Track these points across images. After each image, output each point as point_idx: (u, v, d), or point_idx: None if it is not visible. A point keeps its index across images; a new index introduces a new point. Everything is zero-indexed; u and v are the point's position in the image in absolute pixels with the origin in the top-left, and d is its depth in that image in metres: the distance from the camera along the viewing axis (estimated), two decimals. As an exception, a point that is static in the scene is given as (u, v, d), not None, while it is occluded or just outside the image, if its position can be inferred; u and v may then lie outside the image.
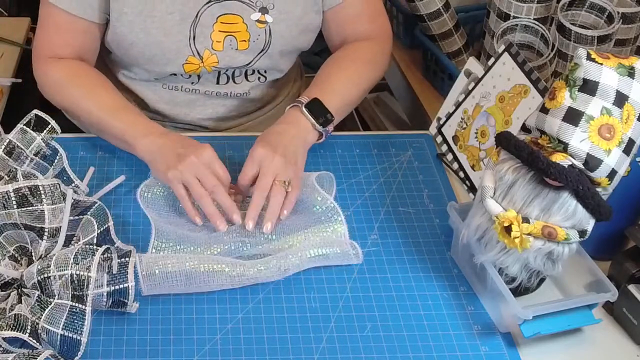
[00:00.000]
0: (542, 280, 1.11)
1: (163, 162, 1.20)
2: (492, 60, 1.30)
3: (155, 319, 1.07)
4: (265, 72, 1.44)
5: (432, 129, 1.43)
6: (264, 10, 1.34)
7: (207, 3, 1.32)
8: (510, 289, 1.05)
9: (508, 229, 0.99)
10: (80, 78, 1.33)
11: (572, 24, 1.35)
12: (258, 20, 1.35)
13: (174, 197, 1.21)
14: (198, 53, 1.35)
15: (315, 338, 1.06)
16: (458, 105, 1.36)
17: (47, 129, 1.25)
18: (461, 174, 1.33)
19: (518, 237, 0.98)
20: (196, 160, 1.18)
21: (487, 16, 1.51)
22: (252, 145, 1.23)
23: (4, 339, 0.99)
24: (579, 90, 0.97)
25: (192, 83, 1.41)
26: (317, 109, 1.29)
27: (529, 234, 0.99)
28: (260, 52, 1.38)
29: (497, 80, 1.28)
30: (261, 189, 1.18)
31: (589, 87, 0.96)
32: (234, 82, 1.43)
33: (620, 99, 0.96)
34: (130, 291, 1.05)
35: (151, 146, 1.23)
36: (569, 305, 1.06)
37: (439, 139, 1.40)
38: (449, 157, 1.37)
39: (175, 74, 1.39)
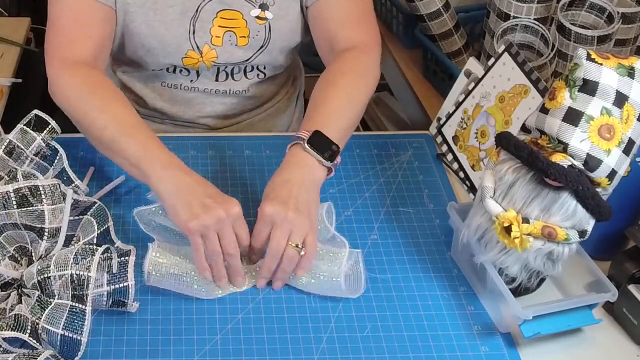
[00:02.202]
0: (542, 280, 1.11)
1: (187, 209, 1.08)
2: (492, 60, 1.30)
3: (155, 319, 1.07)
4: (264, 68, 1.43)
5: (432, 129, 1.43)
6: (264, 7, 1.34)
7: None
8: (510, 289, 1.05)
9: (508, 229, 0.99)
10: (97, 89, 1.22)
11: (572, 24, 1.35)
12: (258, 17, 1.34)
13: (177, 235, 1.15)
14: (198, 47, 1.35)
15: (315, 338, 1.06)
16: (458, 105, 1.36)
17: (47, 129, 1.25)
18: (461, 174, 1.33)
19: (518, 237, 0.98)
20: (224, 216, 1.07)
21: (487, 16, 1.51)
22: (260, 203, 1.12)
23: (4, 339, 0.99)
24: (579, 91, 0.97)
25: (192, 81, 1.41)
26: (320, 143, 1.16)
27: (529, 234, 0.99)
28: (260, 48, 1.37)
29: (497, 80, 1.28)
30: (274, 253, 1.09)
31: (589, 87, 0.96)
32: (233, 79, 1.43)
33: (620, 99, 0.96)
34: (130, 290, 1.05)
35: (172, 184, 1.10)
36: (569, 305, 1.06)
37: (439, 139, 1.40)
38: (449, 157, 1.37)
39: (174, 71, 1.39)
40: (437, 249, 1.21)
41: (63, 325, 1.00)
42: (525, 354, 1.06)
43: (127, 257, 1.06)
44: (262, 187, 1.28)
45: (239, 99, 1.47)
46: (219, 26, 1.34)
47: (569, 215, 0.99)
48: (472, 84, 1.34)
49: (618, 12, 1.35)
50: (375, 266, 1.17)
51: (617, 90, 0.96)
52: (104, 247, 1.04)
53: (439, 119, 1.42)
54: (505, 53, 1.27)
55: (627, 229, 1.10)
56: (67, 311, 1.00)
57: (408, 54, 1.77)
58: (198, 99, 1.45)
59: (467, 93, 1.34)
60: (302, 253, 1.09)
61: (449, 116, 1.38)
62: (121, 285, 1.04)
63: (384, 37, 1.84)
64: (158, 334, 1.05)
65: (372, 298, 1.12)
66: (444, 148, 1.38)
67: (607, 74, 0.96)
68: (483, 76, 1.32)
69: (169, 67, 1.39)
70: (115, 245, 1.14)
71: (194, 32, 1.33)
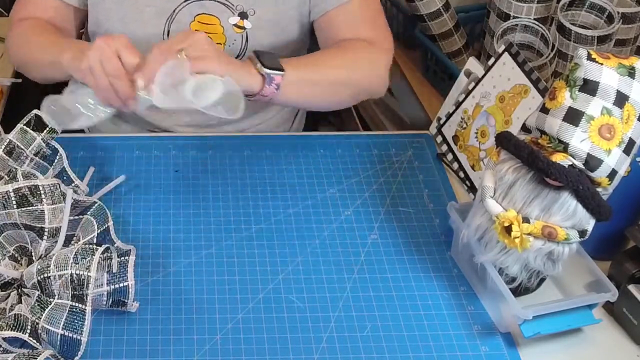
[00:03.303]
0: (542, 280, 1.11)
1: (79, 57, 1.13)
2: (492, 60, 1.30)
3: (155, 319, 1.07)
4: None
5: (432, 129, 1.43)
6: (243, 15, 1.31)
7: (186, 0, 1.30)
8: (510, 289, 1.05)
9: (508, 229, 0.99)
10: (41, 31, 1.31)
11: (572, 24, 1.35)
12: (236, 25, 1.31)
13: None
14: None
15: (315, 338, 1.06)
16: (458, 105, 1.36)
17: (47, 129, 1.25)
18: (461, 174, 1.33)
19: (518, 237, 0.98)
20: (103, 45, 1.10)
21: (487, 16, 1.51)
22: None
23: (4, 339, 0.99)
24: (579, 90, 0.97)
25: None
26: (268, 57, 1.20)
27: (529, 234, 0.99)
28: (236, 58, 1.32)
29: (497, 80, 1.28)
30: (162, 50, 1.10)
31: (590, 87, 0.96)
32: None
33: (621, 99, 0.96)
34: (130, 290, 1.05)
35: (73, 51, 1.18)
36: (569, 305, 1.06)
37: (439, 139, 1.40)
38: (449, 157, 1.37)
39: None
40: (437, 249, 1.21)
41: (63, 325, 1.00)
42: (525, 354, 1.06)
43: (127, 257, 1.06)
44: (262, 187, 1.29)
45: None
46: (196, 30, 1.30)
47: (569, 215, 0.99)
48: (472, 84, 1.34)
49: (618, 12, 1.35)
50: (375, 266, 1.17)
51: (617, 90, 0.96)
52: (103, 247, 1.04)
53: (439, 119, 1.42)
54: (505, 53, 1.27)
55: (627, 229, 1.10)
56: (67, 311, 1.00)
57: (408, 54, 1.77)
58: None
59: (467, 93, 1.34)
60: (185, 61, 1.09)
61: (449, 116, 1.38)
62: (121, 285, 1.04)
63: (384, 37, 1.84)
64: (158, 334, 1.05)
65: (372, 298, 1.12)
66: (444, 148, 1.38)
67: (607, 74, 0.96)
68: (483, 76, 1.32)
69: None
70: (115, 245, 1.14)
71: (168, 34, 1.32)
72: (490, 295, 1.09)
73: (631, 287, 1.07)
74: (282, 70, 1.19)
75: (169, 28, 1.31)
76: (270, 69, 1.18)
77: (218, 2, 1.30)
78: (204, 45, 1.12)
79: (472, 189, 1.30)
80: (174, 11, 1.31)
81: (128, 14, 1.30)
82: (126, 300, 1.05)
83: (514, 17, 1.43)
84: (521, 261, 1.03)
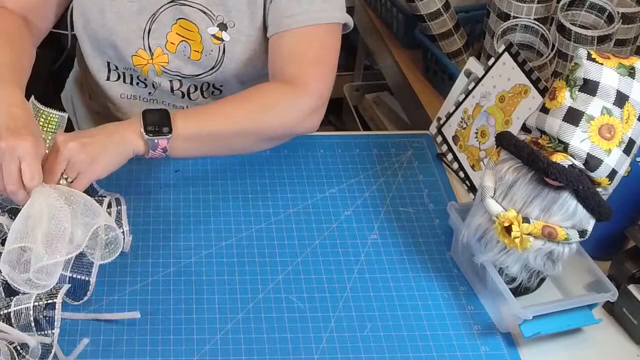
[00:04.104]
0: (542, 280, 1.11)
1: None
2: (492, 60, 1.30)
3: (155, 319, 1.07)
4: (220, 86, 1.37)
5: (432, 129, 1.43)
6: (222, 27, 1.28)
7: (169, 3, 1.29)
8: (510, 289, 1.05)
9: (508, 229, 0.99)
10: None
11: (572, 24, 1.35)
12: (214, 36, 1.29)
13: None
14: (150, 48, 1.31)
15: (315, 338, 1.06)
16: (458, 105, 1.36)
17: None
18: (461, 174, 1.33)
19: (518, 237, 0.98)
20: (4, 149, 1.02)
21: (487, 16, 1.51)
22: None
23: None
24: (579, 90, 0.97)
25: (150, 93, 1.39)
26: (155, 117, 1.13)
27: (529, 234, 0.99)
28: (211, 69, 1.32)
29: (497, 80, 1.28)
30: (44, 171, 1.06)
31: (590, 87, 0.96)
32: (189, 98, 1.38)
33: (621, 99, 0.96)
34: (126, 236, 1.13)
35: None
36: (569, 305, 1.06)
37: (439, 139, 1.40)
38: (449, 157, 1.37)
39: (131, 82, 1.37)
40: (437, 249, 1.21)
41: (71, 268, 1.06)
42: (525, 354, 1.06)
43: (119, 207, 1.11)
44: (262, 187, 1.29)
45: None
46: (177, 33, 1.30)
47: (569, 215, 0.99)
48: (472, 84, 1.34)
49: (618, 12, 1.35)
50: (375, 266, 1.17)
51: (617, 90, 0.96)
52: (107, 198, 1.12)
53: (439, 119, 1.42)
54: (505, 53, 1.27)
55: (627, 229, 1.10)
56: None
57: (408, 54, 1.77)
58: None
59: (467, 93, 1.34)
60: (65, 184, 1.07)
61: (449, 116, 1.38)
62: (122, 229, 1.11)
63: (384, 37, 1.85)
64: (158, 334, 1.05)
65: (372, 298, 1.12)
66: (444, 148, 1.38)
67: (607, 74, 0.96)
68: (483, 76, 1.32)
69: (124, 73, 1.37)
70: (99, 194, 1.16)
71: (149, 32, 1.30)
72: (490, 295, 1.09)
73: (631, 287, 1.07)
74: (168, 132, 1.12)
75: (150, 27, 1.30)
76: (154, 132, 1.12)
77: (199, 9, 1.29)
78: (77, 159, 1.07)
79: (472, 189, 1.30)
80: (156, 11, 1.30)
81: (107, 5, 1.29)
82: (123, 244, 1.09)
83: (514, 17, 1.43)
84: (521, 261, 1.03)
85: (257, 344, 1.05)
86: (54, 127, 1.16)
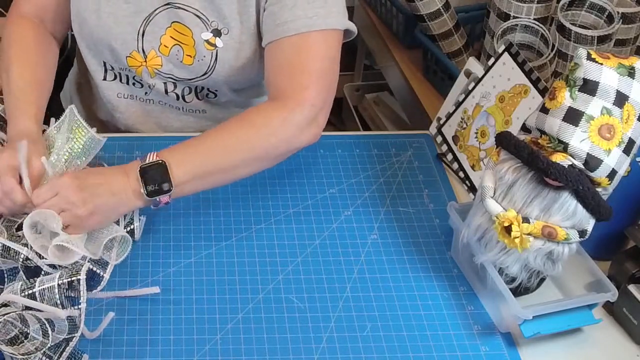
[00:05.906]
0: (542, 280, 1.11)
1: None
2: (492, 60, 1.30)
3: (155, 319, 1.07)
4: (216, 90, 1.37)
5: (432, 129, 1.43)
6: (216, 33, 1.28)
7: (165, 5, 1.29)
8: (510, 289, 1.05)
9: (508, 229, 0.99)
10: (21, 43, 1.28)
11: (572, 24, 1.35)
12: (207, 41, 1.28)
13: None
14: (143, 51, 1.32)
15: (315, 338, 1.06)
16: (458, 105, 1.36)
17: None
18: (461, 174, 1.33)
19: (518, 237, 0.98)
20: None
21: (487, 16, 1.51)
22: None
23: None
24: (579, 90, 0.97)
25: (146, 93, 1.39)
26: (154, 175, 1.11)
27: (529, 234, 0.99)
28: (203, 74, 1.32)
29: (497, 80, 1.28)
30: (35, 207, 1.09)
31: (589, 87, 0.96)
32: (184, 100, 1.39)
33: (621, 99, 0.96)
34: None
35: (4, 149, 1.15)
36: (569, 305, 1.06)
37: (439, 139, 1.40)
38: (449, 157, 1.37)
39: (127, 82, 1.38)
40: (437, 249, 1.21)
41: (89, 259, 1.09)
42: (525, 354, 1.06)
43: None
44: (262, 187, 1.29)
45: (195, 119, 1.42)
46: (171, 36, 1.30)
47: (569, 215, 0.99)
48: (472, 84, 1.34)
49: (618, 12, 1.35)
50: (375, 266, 1.17)
51: (617, 90, 0.96)
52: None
53: (439, 119, 1.42)
54: (505, 53, 1.27)
55: (627, 229, 1.10)
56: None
57: (408, 54, 1.77)
58: (153, 113, 1.41)
59: (467, 93, 1.34)
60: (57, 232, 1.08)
61: (449, 116, 1.38)
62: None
63: (384, 37, 1.85)
64: (158, 334, 1.05)
65: (372, 298, 1.12)
66: (444, 148, 1.38)
67: (607, 74, 0.96)
68: (483, 76, 1.32)
69: (120, 74, 1.37)
70: None
71: (143, 34, 1.30)
72: (490, 295, 1.09)
73: (631, 287, 1.07)
74: (168, 189, 1.12)
75: (145, 29, 1.30)
76: (155, 192, 1.12)
77: (194, 14, 1.28)
78: (75, 213, 1.08)
79: (472, 189, 1.30)
80: (151, 13, 1.29)
81: (103, 6, 1.29)
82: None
83: (514, 17, 1.43)
84: (521, 261, 1.03)
85: (257, 344, 1.05)
86: (81, 143, 1.19)
